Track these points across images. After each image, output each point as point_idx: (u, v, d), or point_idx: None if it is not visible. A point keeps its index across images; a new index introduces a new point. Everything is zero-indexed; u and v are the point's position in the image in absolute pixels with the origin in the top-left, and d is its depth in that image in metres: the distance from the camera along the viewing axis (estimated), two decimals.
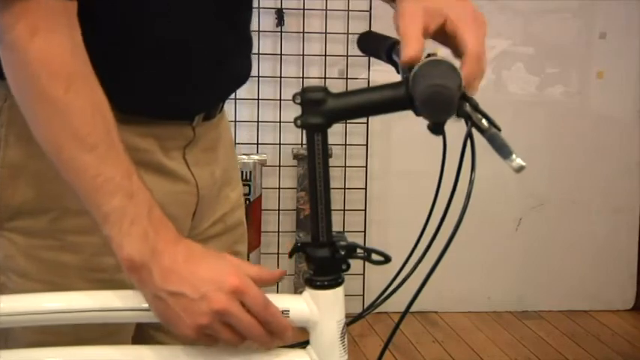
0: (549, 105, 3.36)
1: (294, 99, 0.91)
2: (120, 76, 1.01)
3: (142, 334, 1.14)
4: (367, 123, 3.17)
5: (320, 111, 0.90)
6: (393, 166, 3.31)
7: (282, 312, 0.93)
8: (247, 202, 3.05)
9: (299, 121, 0.91)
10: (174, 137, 1.10)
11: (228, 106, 1.23)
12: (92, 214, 0.90)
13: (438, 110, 0.86)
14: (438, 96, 0.85)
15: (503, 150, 0.82)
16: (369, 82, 3.09)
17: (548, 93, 3.36)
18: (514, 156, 0.81)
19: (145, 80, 1.04)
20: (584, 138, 3.37)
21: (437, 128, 0.90)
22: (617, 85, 3.36)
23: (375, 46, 1.13)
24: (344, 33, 3.10)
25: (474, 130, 0.87)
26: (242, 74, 1.19)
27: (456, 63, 0.91)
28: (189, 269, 0.88)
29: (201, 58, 1.09)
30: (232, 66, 1.15)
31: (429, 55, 0.96)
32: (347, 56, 3.12)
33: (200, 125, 1.13)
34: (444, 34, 0.96)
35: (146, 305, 0.93)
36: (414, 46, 0.92)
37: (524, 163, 0.81)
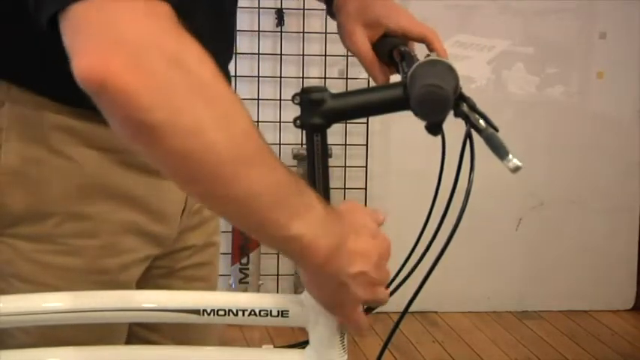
0: (549, 105, 3.36)
1: (293, 99, 0.91)
2: None
3: (133, 335, 1.14)
4: (367, 123, 3.17)
5: (319, 111, 0.91)
6: (393, 166, 3.31)
7: (282, 312, 0.93)
8: None
9: (298, 122, 0.91)
10: None
11: None
12: (277, 221, 0.81)
13: (431, 110, 0.85)
14: (431, 96, 0.84)
15: (499, 150, 0.82)
16: (369, 82, 3.07)
17: (548, 93, 3.36)
18: (510, 156, 0.81)
19: None
20: (584, 138, 3.37)
21: (434, 128, 0.90)
22: (617, 85, 3.36)
23: (377, 46, 1.13)
24: None
25: (473, 131, 0.88)
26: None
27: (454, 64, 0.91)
28: (361, 244, 0.87)
29: None
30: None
31: (428, 55, 0.96)
32: (347, 56, 3.12)
33: None
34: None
35: (146, 305, 0.93)
36: (380, 72, 1.12)
37: (520, 164, 0.81)
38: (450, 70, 0.89)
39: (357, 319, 0.92)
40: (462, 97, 0.89)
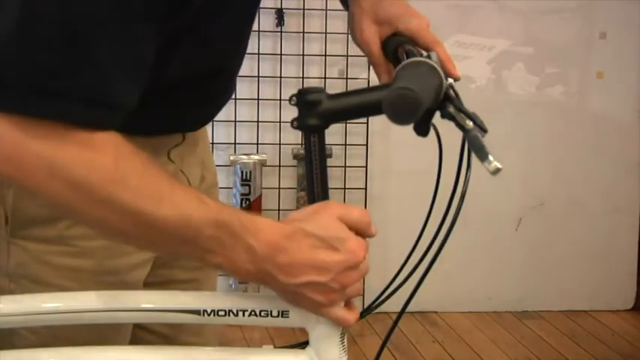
0: (549, 105, 3.36)
1: (289, 101, 0.91)
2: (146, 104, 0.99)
3: (131, 336, 1.14)
4: (367, 123, 3.17)
5: (316, 112, 0.91)
6: (393, 166, 3.31)
7: (282, 312, 0.93)
8: (247, 202, 3.05)
9: (295, 123, 0.91)
10: (164, 143, 1.11)
11: (229, 106, 1.24)
12: (191, 254, 0.91)
13: (401, 114, 0.83)
14: (401, 99, 0.82)
15: (480, 152, 0.82)
16: (369, 82, 3.09)
17: (548, 93, 3.36)
18: (491, 158, 0.81)
19: (168, 108, 1.04)
20: (584, 138, 3.37)
21: (421, 129, 0.90)
22: (617, 85, 3.36)
23: (384, 44, 1.13)
24: (344, 33, 3.10)
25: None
26: (234, 89, 1.20)
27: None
28: (306, 255, 0.88)
29: (222, 81, 1.10)
30: (234, 83, 1.17)
31: (427, 56, 0.96)
32: (347, 56, 3.12)
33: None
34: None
35: (146, 306, 0.93)
36: (385, 72, 1.11)
37: (500, 166, 0.81)
38: (433, 72, 0.89)
39: (336, 317, 0.92)
40: (448, 98, 0.89)
